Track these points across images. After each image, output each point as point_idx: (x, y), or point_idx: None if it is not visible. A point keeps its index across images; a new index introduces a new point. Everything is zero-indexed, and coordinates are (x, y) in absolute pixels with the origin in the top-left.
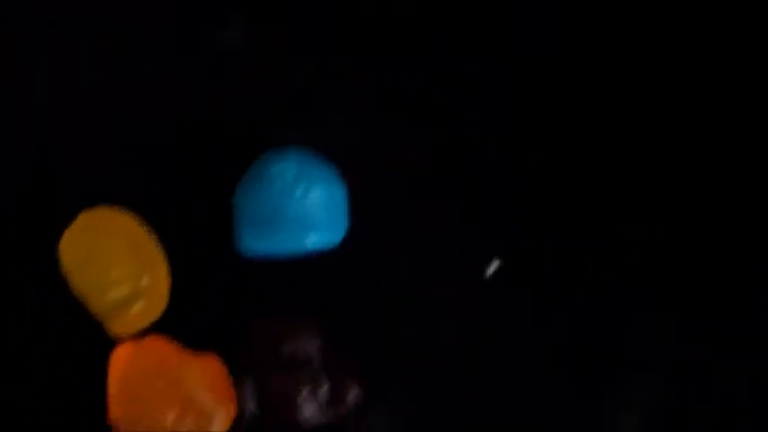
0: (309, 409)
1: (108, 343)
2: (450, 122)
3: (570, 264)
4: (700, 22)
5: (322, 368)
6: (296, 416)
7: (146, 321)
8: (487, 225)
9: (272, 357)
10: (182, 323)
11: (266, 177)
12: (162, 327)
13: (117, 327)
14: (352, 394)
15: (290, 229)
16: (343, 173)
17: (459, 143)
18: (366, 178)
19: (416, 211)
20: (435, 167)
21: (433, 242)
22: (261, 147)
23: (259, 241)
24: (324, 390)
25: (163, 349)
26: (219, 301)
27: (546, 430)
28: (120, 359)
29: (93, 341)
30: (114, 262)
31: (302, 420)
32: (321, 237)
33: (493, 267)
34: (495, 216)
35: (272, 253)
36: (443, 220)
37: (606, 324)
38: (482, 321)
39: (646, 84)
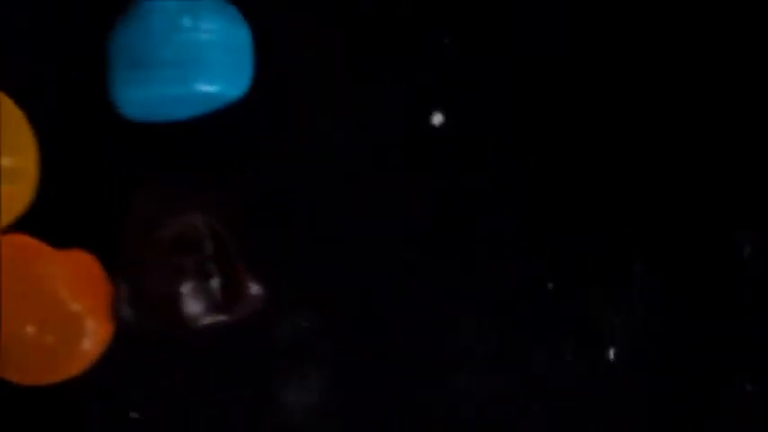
0: (196, 306)
1: None
2: None
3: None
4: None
5: (212, 256)
6: (179, 314)
7: (7, 214)
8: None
9: (150, 243)
10: (50, 217)
11: (144, 12)
12: (25, 224)
13: None
14: (252, 291)
15: (175, 69)
16: (247, 14)
17: None
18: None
19: (336, 68)
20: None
21: (352, 101)
22: None
23: (137, 88)
24: (214, 282)
25: (21, 246)
26: (95, 179)
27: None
28: None
29: None
30: None
31: (187, 320)
32: (216, 84)
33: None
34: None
35: (156, 106)
36: (364, 76)
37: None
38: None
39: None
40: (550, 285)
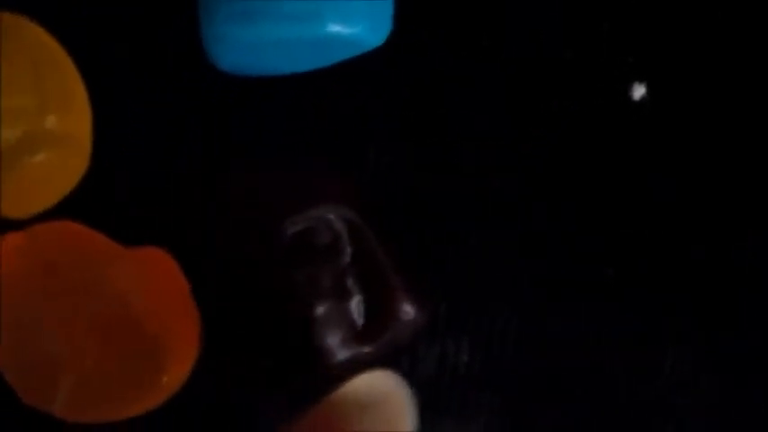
0: (332, 336)
1: None
2: None
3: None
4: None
5: (354, 264)
6: (307, 344)
7: (53, 189)
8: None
9: (266, 242)
10: (113, 201)
11: None
12: (78, 208)
13: (5, 199)
14: (407, 313)
15: (305, 4)
16: None
17: None
18: None
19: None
20: None
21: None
22: None
23: (244, 28)
24: (354, 303)
25: (74, 239)
26: (180, 155)
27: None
28: (8, 255)
29: None
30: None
31: (319, 353)
32: (352, 24)
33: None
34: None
35: (268, 56)
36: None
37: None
38: None
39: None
40: None
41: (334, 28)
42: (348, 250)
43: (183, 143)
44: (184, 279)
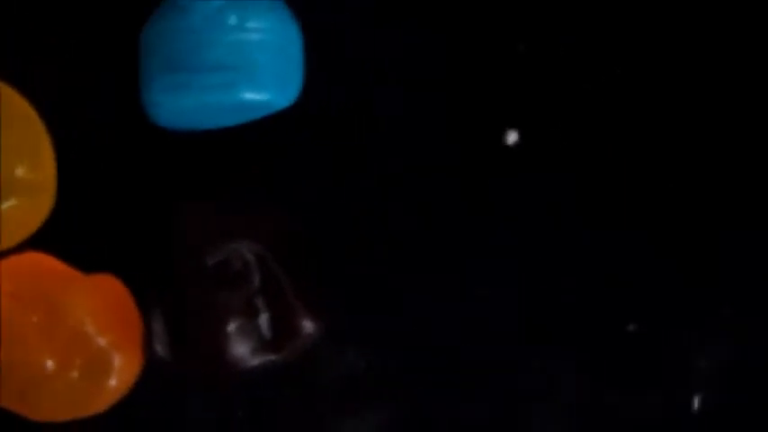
0: (243, 347)
1: None
2: None
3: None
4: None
5: (262, 288)
6: (223, 355)
7: (21, 230)
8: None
9: (192, 271)
10: (71, 234)
11: (182, 5)
12: (42, 240)
13: None
14: (305, 328)
15: (218, 74)
16: (297, 12)
17: None
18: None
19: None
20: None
21: (421, 121)
22: None
23: (174, 95)
24: (264, 319)
25: (39, 268)
26: (124, 196)
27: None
28: None
29: None
30: None
31: (232, 361)
32: (264, 91)
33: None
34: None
35: (195, 116)
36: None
37: None
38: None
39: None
40: (632, 327)
41: (248, 95)
42: (257, 276)
43: (128, 188)
44: (131, 300)
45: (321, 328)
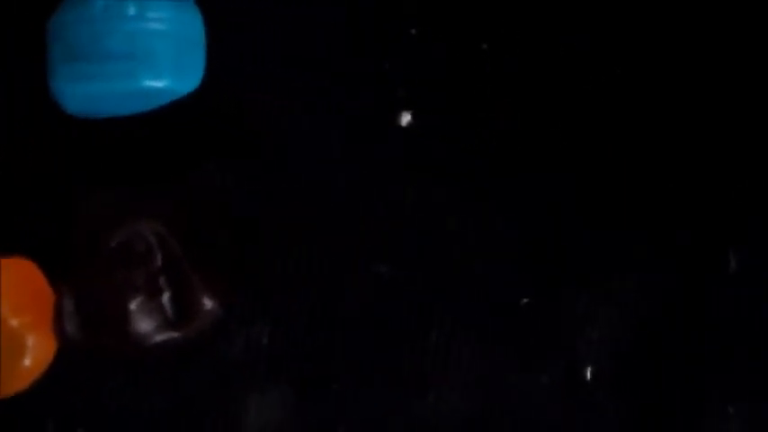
0: (146, 323)
1: None
2: None
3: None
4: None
5: (163, 267)
6: (127, 331)
7: None
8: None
9: (95, 255)
10: None
11: None
12: None
13: None
14: (206, 306)
15: (119, 63)
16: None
17: None
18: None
19: (291, 62)
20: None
21: (312, 102)
22: None
23: (79, 83)
24: (165, 297)
25: None
26: (34, 182)
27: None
28: None
29: None
30: None
31: (137, 337)
32: (163, 78)
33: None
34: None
35: (99, 102)
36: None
37: None
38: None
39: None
40: (525, 300)
41: (147, 83)
42: (159, 256)
43: (40, 174)
44: (45, 282)
45: (222, 306)
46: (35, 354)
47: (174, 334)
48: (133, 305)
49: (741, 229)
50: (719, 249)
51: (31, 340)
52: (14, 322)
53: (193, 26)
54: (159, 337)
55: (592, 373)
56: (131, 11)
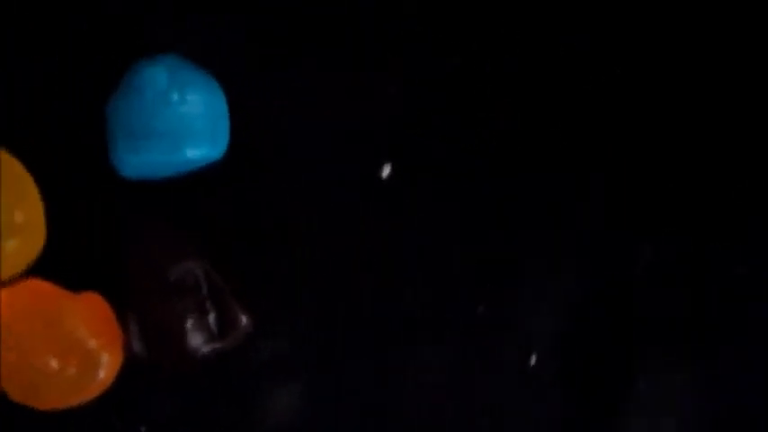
0: (197, 339)
1: None
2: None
3: None
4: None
5: (209, 294)
6: (184, 347)
7: (22, 262)
8: (381, 135)
9: (156, 286)
10: (61, 262)
11: (137, 85)
12: (39, 269)
13: None
14: (242, 322)
15: (167, 139)
16: (222, 82)
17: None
18: (248, 89)
19: (301, 126)
20: (320, 81)
21: (322, 157)
22: (134, 57)
23: (135, 155)
24: (212, 317)
25: (39, 291)
26: (101, 231)
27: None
28: None
29: None
30: None
31: (191, 351)
32: (201, 148)
33: (386, 170)
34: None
35: (151, 168)
36: (331, 134)
37: None
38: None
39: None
40: (481, 309)
41: (189, 153)
42: (204, 286)
43: (103, 225)
44: (111, 311)
45: (255, 322)
46: (107, 369)
47: (218, 345)
48: (188, 325)
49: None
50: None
51: (104, 358)
52: (92, 343)
53: (220, 104)
54: (207, 349)
55: (537, 361)
56: (174, 97)
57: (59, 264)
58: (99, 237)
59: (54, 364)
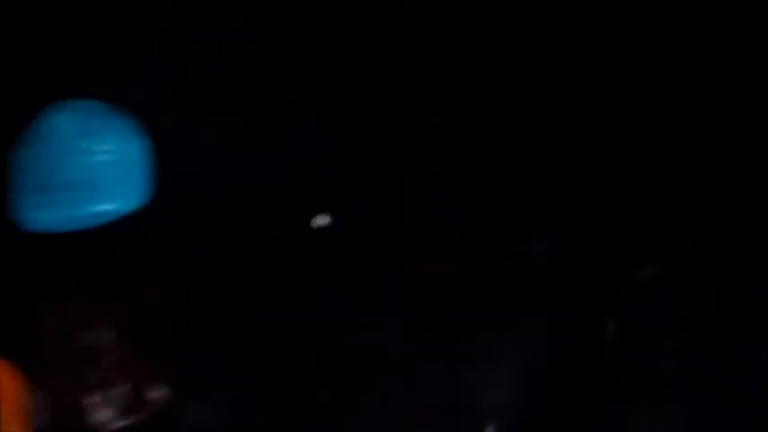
0: (105, 413)
1: None
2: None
3: None
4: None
5: (118, 365)
6: (91, 422)
7: None
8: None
9: (62, 356)
10: None
11: (45, 133)
12: None
13: None
14: (156, 394)
15: (74, 194)
16: (146, 128)
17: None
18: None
19: (233, 169)
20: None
21: (256, 202)
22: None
23: (39, 211)
24: (118, 391)
25: None
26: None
27: None
28: None
29: None
30: None
31: (99, 426)
32: (114, 202)
33: (321, 220)
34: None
35: (58, 223)
36: (265, 172)
37: None
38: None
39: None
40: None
41: (96, 208)
42: (113, 355)
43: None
44: (21, 378)
45: (169, 392)
46: None
47: (130, 420)
48: (95, 398)
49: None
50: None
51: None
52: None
53: (136, 151)
54: (119, 423)
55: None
56: (82, 145)
57: None
58: (6, 301)
59: None
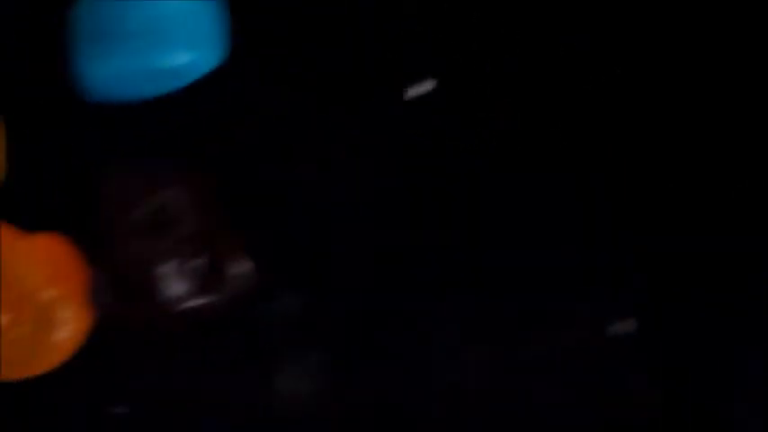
0: (176, 288)
1: None
2: None
3: None
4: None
5: (192, 234)
6: (160, 298)
7: None
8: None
9: (125, 225)
10: (17, 200)
11: None
12: None
13: None
14: (240, 268)
15: (139, 41)
16: None
17: None
18: None
19: (310, 38)
20: None
21: (337, 73)
22: None
23: (100, 62)
24: (199, 261)
25: None
26: (63, 164)
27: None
28: None
29: None
30: None
31: (169, 303)
32: (185, 56)
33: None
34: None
35: (122, 85)
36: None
37: None
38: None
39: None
40: None
41: (167, 60)
42: (187, 224)
43: (64, 157)
44: (78, 257)
45: (252, 271)
46: (70, 327)
47: (207, 298)
48: (163, 270)
49: None
50: None
51: (64, 313)
52: (47, 294)
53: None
54: (192, 303)
55: None
56: None
57: (14, 201)
58: (62, 168)
59: (4, 321)
